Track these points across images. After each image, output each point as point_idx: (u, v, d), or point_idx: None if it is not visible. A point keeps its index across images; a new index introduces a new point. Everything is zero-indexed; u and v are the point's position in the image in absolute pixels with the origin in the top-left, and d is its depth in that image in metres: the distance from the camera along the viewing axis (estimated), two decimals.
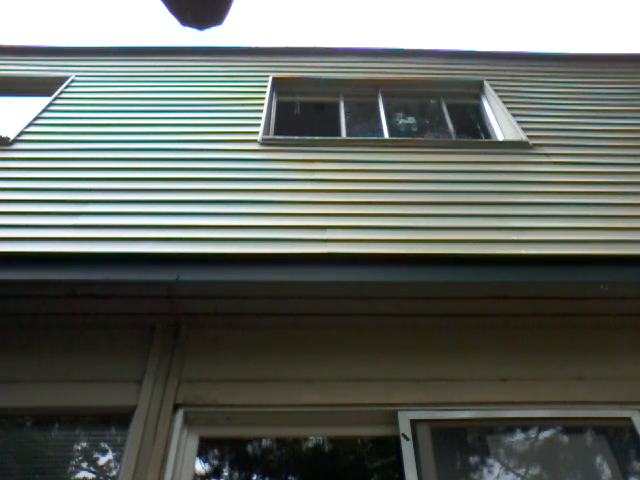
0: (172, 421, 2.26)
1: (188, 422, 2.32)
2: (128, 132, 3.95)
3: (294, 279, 2.57)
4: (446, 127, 5.07)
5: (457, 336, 2.61)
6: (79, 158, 3.60)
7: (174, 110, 4.29)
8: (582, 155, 3.87)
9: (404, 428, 2.24)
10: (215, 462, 2.42)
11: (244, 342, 2.56)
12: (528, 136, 4.05)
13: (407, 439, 2.20)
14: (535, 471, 2.41)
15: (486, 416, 2.35)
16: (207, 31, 0.79)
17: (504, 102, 4.60)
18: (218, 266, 2.60)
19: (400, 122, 4.79)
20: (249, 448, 2.46)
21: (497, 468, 2.35)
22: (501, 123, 4.47)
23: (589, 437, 2.41)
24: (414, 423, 2.26)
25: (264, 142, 3.89)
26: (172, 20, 0.77)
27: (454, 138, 4.79)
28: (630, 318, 2.68)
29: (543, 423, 2.40)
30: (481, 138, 4.62)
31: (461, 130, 5.10)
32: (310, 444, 2.45)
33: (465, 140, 4.65)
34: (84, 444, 2.40)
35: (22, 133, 3.92)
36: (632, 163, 3.74)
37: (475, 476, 2.36)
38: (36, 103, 4.44)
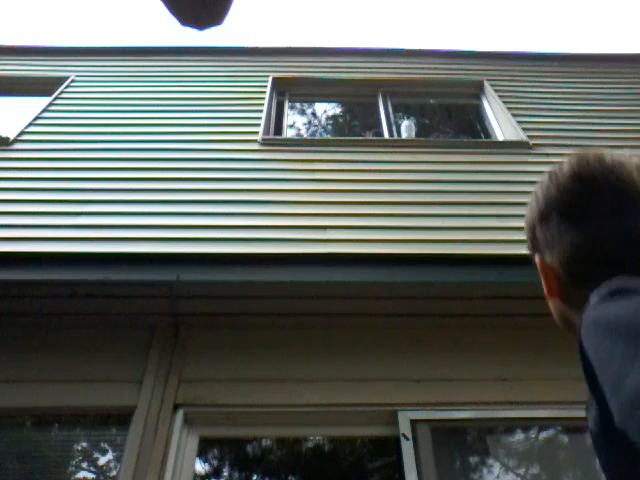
0: (172, 421, 2.26)
1: (188, 422, 2.32)
2: (128, 132, 3.95)
3: (294, 279, 2.57)
4: (446, 127, 5.08)
5: (457, 336, 2.61)
6: (79, 158, 3.60)
7: (174, 110, 4.29)
8: None
9: (404, 428, 2.24)
10: (215, 462, 2.42)
11: (244, 342, 2.56)
12: (528, 136, 4.05)
13: (407, 439, 2.20)
14: (535, 471, 2.41)
15: (486, 416, 2.35)
16: (207, 31, 0.79)
17: (504, 102, 4.60)
18: (218, 266, 2.60)
19: (400, 122, 4.79)
20: (249, 448, 2.46)
21: (497, 468, 2.35)
22: (501, 123, 4.47)
23: (589, 437, 2.41)
24: (414, 423, 2.26)
25: (264, 142, 3.89)
26: (172, 20, 0.77)
27: (454, 138, 4.80)
28: None
29: (543, 423, 2.40)
30: (481, 138, 4.62)
31: (461, 130, 5.11)
32: (310, 444, 2.45)
33: (465, 140, 4.65)
34: (84, 444, 2.40)
35: (22, 133, 3.92)
36: None
37: (475, 476, 2.36)
38: (36, 103, 4.44)
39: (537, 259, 0.82)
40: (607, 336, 0.55)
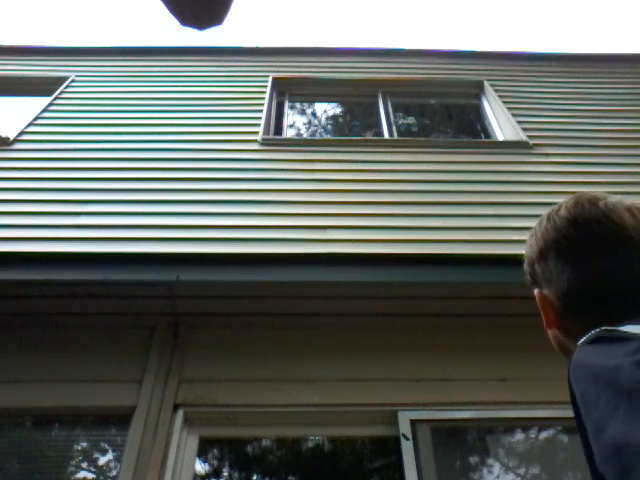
0: (172, 421, 2.26)
1: (188, 422, 2.32)
2: (128, 132, 3.95)
3: (294, 279, 2.57)
4: (446, 127, 5.08)
5: (457, 336, 2.61)
6: (79, 158, 3.60)
7: (174, 110, 4.29)
8: (582, 155, 3.87)
9: (404, 428, 2.24)
10: (215, 462, 2.42)
11: (244, 342, 2.56)
12: (528, 136, 4.05)
13: (407, 439, 2.20)
14: (535, 471, 2.41)
15: (486, 416, 2.35)
16: (207, 31, 0.79)
17: (504, 102, 4.60)
18: (218, 266, 2.60)
19: (400, 122, 4.79)
20: (249, 448, 2.46)
21: (497, 468, 2.35)
22: (501, 123, 4.47)
23: None
24: (414, 423, 2.26)
25: (264, 142, 3.89)
26: (172, 20, 0.77)
27: (454, 138, 4.80)
28: None
29: (543, 423, 2.40)
30: (481, 138, 4.62)
31: (461, 130, 5.11)
32: (310, 444, 2.45)
33: (465, 140, 4.65)
34: (84, 444, 2.40)
35: (22, 133, 3.92)
36: (632, 163, 3.74)
37: (475, 476, 2.36)
38: (36, 103, 4.44)
39: (536, 292, 0.89)
40: (592, 384, 0.63)
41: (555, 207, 0.91)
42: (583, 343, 0.72)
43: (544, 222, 0.90)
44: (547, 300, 0.86)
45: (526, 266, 0.93)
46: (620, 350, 0.63)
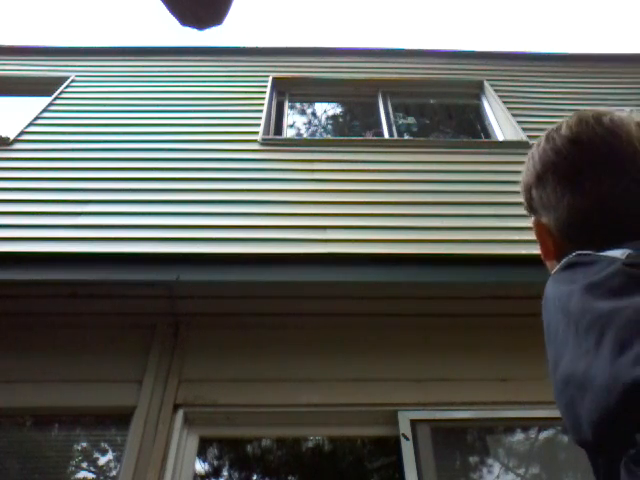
0: (172, 421, 2.26)
1: (188, 422, 2.32)
2: (128, 132, 3.95)
3: (294, 279, 2.57)
4: (446, 127, 5.08)
5: (457, 336, 2.61)
6: (79, 158, 3.60)
7: (174, 110, 4.29)
8: None
9: (404, 428, 2.24)
10: (215, 462, 2.42)
11: (244, 342, 2.56)
12: (528, 136, 4.05)
13: (407, 439, 2.20)
14: (535, 471, 2.41)
15: (486, 416, 2.35)
16: (207, 31, 0.79)
17: (504, 102, 4.60)
18: (218, 266, 2.60)
19: (400, 122, 4.79)
20: (249, 448, 2.46)
21: (497, 468, 2.35)
22: (501, 123, 4.47)
23: None
24: (414, 423, 2.26)
25: (264, 142, 3.89)
26: (172, 20, 0.77)
27: (454, 138, 4.80)
28: None
29: (543, 423, 2.40)
30: (481, 138, 4.62)
31: (461, 130, 5.11)
32: (310, 444, 2.45)
33: (465, 140, 4.65)
34: (84, 444, 2.40)
35: (22, 133, 3.92)
36: None
37: (475, 476, 2.36)
38: (36, 103, 4.44)
39: (533, 220, 0.81)
40: (552, 315, 0.59)
41: (555, 126, 0.82)
42: (556, 271, 0.66)
43: (542, 143, 0.82)
44: (545, 228, 0.78)
45: (522, 191, 0.84)
46: (582, 274, 0.58)
